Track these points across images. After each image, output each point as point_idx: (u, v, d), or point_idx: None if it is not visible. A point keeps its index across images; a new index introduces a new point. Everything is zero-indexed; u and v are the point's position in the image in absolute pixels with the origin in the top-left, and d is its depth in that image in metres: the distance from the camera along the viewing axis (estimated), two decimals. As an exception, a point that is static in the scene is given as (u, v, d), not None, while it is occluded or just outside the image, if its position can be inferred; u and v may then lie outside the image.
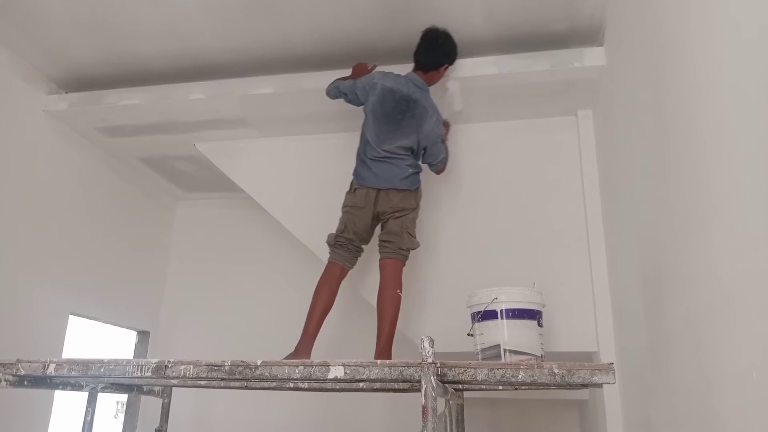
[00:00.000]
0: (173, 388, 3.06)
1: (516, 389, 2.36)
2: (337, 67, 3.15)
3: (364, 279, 3.20)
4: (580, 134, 3.25)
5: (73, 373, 2.08)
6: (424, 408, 1.61)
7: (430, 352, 1.67)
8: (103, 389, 2.58)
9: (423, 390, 1.63)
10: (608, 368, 1.75)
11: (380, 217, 2.85)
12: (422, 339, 1.69)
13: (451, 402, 2.56)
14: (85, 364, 2.06)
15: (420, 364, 1.68)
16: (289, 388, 2.49)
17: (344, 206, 2.89)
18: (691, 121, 1.73)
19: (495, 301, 2.37)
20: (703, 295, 1.64)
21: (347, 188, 2.94)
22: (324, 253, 3.48)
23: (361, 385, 2.33)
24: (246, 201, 4.49)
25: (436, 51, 2.86)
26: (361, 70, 3.09)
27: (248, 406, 4.14)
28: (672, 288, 1.93)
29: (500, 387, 2.28)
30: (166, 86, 3.34)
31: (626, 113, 2.55)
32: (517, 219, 3.27)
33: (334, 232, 2.89)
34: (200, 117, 3.46)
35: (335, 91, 3.00)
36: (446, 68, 2.92)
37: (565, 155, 3.29)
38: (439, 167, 3.02)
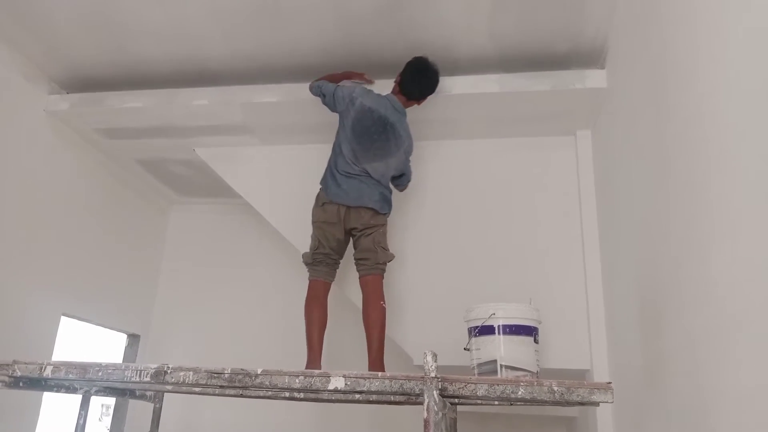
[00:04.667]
0: (165, 393, 3.05)
1: (512, 404, 2.37)
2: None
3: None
4: (578, 154, 3.30)
5: (70, 375, 2.07)
6: (427, 422, 1.62)
7: (433, 367, 1.69)
8: (97, 392, 2.56)
9: (426, 404, 1.65)
10: (606, 387, 1.77)
11: (352, 233, 2.88)
12: (425, 354, 1.70)
13: (446, 416, 2.57)
14: (83, 368, 2.05)
15: (423, 378, 1.70)
16: (284, 398, 2.47)
17: (315, 222, 2.89)
18: (694, 146, 1.77)
19: (492, 316, 2.39)
20: (702, 317, 1.68)
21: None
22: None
23: (357, 396, 2.34)
24: (240, 207, 4.50)
25: (428, 85, 2.92)
26: (351, 77, 3.08)
27: (236, 411, 4.11)
28: (670, 309, 1.97)
29: (496, 402, 2.29)
30: (170, 90, 3.34)
31: (626, 135, 2.60)
32: (514, 235, 3.31)
33: (308, 250, 2.91)
34: (202, 122, 3.47)
35: (317, 90, 3.01)
36: (423, 101, 2.98)
37: (563, 174, 3.34)
38: (405, 187, 3.09)
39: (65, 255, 3.59)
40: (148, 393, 2.95)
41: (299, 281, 4.27)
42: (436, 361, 1.70)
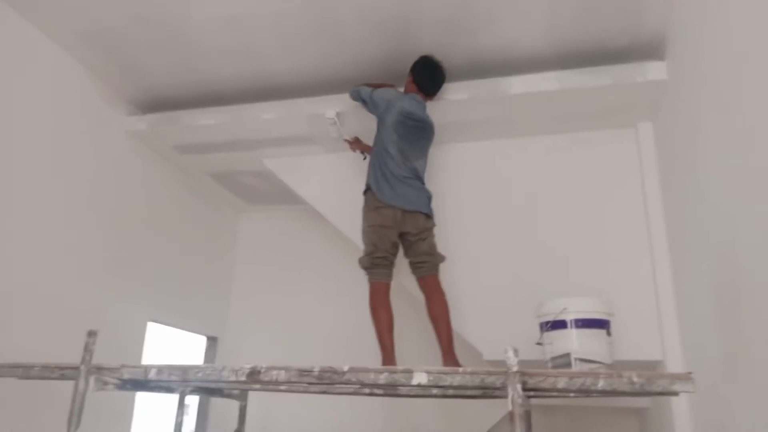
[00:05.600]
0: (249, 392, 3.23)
1: (588, 396, 2.41)
2: (401, 84, 3.28)
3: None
4: (640, 146, 3.30)
5: (172, 377, 2.24)
6: (512, 414, 1.70)
7: (515, 361, 1.76)
8: (191, 392, 2.76)
9: (510, 397, 1.72)
10: (687, 377, 1.79)
11: (405, 237, 2.99)
12: (506, 349, 1.78)
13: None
14: (184, 370, 2.22)
15: (505, 372, 1.77)
16: (365, 394, 2.60)
17: (370, 225, 2.98)
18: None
19: (564, 311, 2.45)
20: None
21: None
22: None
23: (434, 391, 2.44)
24: (304, 213, 4.68)
25: (441, 80, 3.12)
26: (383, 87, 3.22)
27: (308, 406, 4.27)
28: (753, 297, 1.96)
29: (572, 394, 2.34)
30: (240, 107, 3.53)
31: (692, 124, 2.59)
32: (577, 228, 3.33)
33: (362, 255, 3.02)
34: (269, 135, 3.64)
35: (356, 95, 3.20)
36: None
37: (625, 166, 3.34)
38: None
39: (148, 266, 3.85)
40: (235, 392, 3.15)
41: (364, 280, 4.44)
42: (517, 356, 1.78)
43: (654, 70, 2.96)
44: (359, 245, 3.71)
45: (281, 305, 4.73)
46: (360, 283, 4.44)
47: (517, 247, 3.38)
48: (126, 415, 3.58)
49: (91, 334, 2.24)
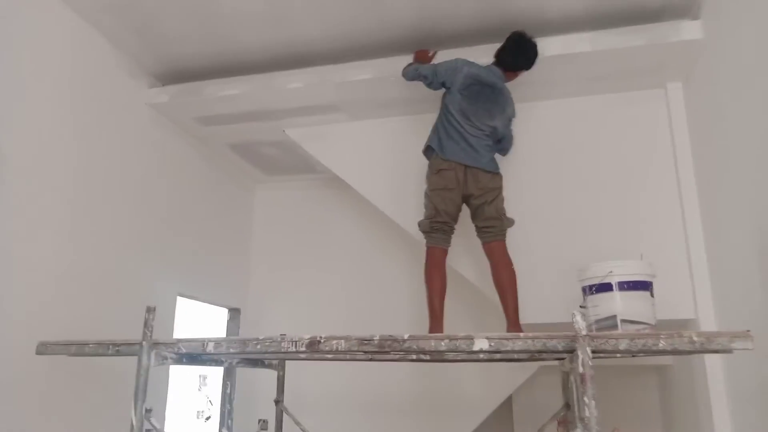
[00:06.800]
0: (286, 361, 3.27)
1: (634, 356, 2.47)
2: (435, 47, 3.22)
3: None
4: (670, 106, 3.30)
5: (231, 350, 2.26)
6: (584, 376, 1.75)
7: (584, 325, 1.80)
8: (237, 364, 2.79)
9: (580, 360, 1.76)
10: (746, 335, 1.84)
11: (469, 200, 2.96)
12: (574, 314, 1.81)
13: (567, 370, 2.70)
14: (243, 342, 2.24)
15: (572, 336, 1.81)
16: (412, 360, 2.66)
17: (432, 189, 2.96)
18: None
19: (610, 274, 2.48)
20: None
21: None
22: (411, 227, 3.64)
23: (481, 356, 2.49)
24: (322, 182, 4.67)
25: (522, 56, 3.02)
26: (422, 57, 3.20)
27: (333, 373, 4.33)
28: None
29: (618, 355, 2.40)
30: (266, 75, 3.46)
31: (732, 83, 2.59)
32: (606, 192, 3.35)
33: (423, 218, 3.00)
34: (294, 104, 3.59)
35: (414, 73, 3.10)
36: (521, 73, 3.09)
37: (654, 126, 3.34)
38: (507, 152, 3.20)
39: (172, 240, 3.82)
40: (274, 362, 3.19)
41: (385, 247, 4.46)
42: (585, 320, 1.81)
43: (688, 29, 2.94)
44: (383, 212, 3.73)
45: (301, 275, 4.74)
46: (384, 250, 4.49)
47: (546, 211, 3.40)
48: (162, 389, 3.62)
49: (150, 310, 2.24)
